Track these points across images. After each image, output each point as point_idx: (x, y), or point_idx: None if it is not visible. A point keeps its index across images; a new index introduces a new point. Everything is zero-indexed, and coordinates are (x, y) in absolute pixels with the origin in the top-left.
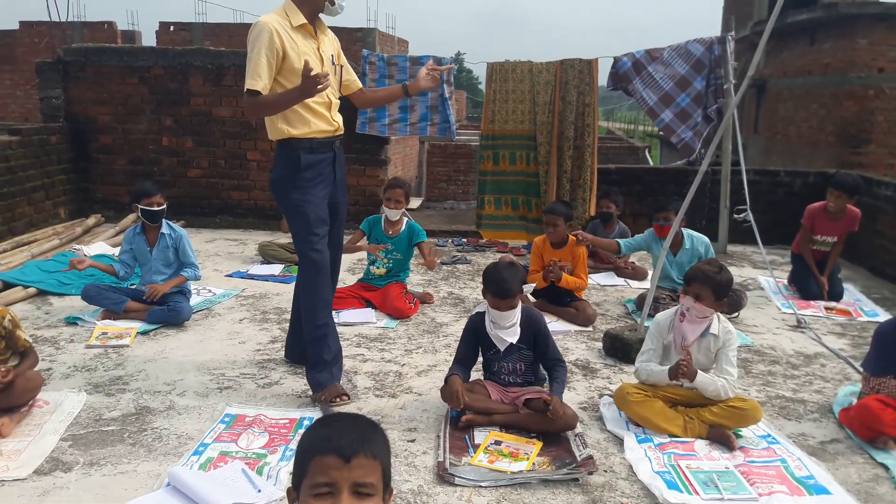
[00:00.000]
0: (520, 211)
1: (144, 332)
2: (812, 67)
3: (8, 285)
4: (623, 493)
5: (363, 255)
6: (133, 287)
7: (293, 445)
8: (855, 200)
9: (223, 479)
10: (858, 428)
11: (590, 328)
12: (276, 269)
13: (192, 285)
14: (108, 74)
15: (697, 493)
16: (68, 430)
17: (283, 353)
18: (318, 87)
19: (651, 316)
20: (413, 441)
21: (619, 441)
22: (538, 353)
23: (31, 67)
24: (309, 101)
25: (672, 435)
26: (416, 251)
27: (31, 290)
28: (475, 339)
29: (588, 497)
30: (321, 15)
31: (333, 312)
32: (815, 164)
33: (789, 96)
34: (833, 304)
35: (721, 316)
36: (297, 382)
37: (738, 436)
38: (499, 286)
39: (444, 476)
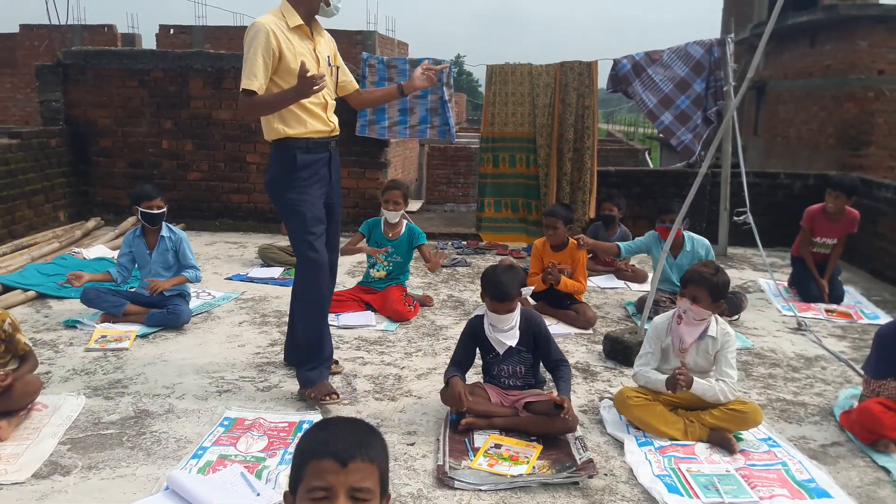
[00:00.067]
0: (520, 213)
1: (144, 336)
2: (812, 69)
3: (7, 288)
4: (623, 497)
5: (363, 257)
6: (132, 290)
7: (292, 449)
8: (853, 201)
9: (222, 482)
10: (859, 431)
11: (590, 331)
12: (276, 271)
13: (192, 288)
14: (108, 77)
15: (698, 497)
16: (67, 433)
17: (282, 356)
18: (315, 87)
19: (651, 319)
20: (413, 444)
21: (620, 444)
22: (540, 355)
23: (31, 71)
24: (305, 101)
25: (672, 438)
26: (415, 254)
27: (31, 294)
28: (474, 342)
29: (588, 500)
30: (318, 17)
31: (333, 315)
32: (815, 166)
33: (789, 98)
34: (834, 306)
35: (719, 318)
36: (297, 386)
37: (739, 439)
38: (497, 289)
39: (443, 479)
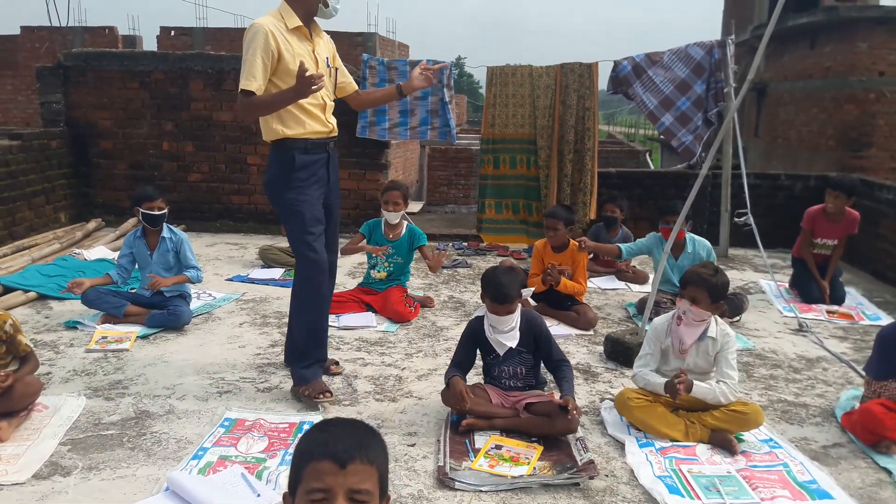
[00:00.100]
0: (520, 215)
1: (144, 336)
2: (812, 71)
3: (8, 289)
4: (624, 498)
5: (363, 259)
6: (133, 291)
7: (293, 450)
8: (853, 202)
9: (222, 483)
10: (861, 432)
11: (591, 332)
12: (277, 273)
13: (193, 289)
14: (109, 79)
15: (699, 498)
16: (67, 434)
17: (282, 357)
18: (313, 87)
19: (652, 320)
20: (413, 445)
21: (621, 445)
22: (541, 356)
23: (32, 72)
24: (303, 102)
25: (674, 440)
26: (416, 255)
27: (32, 295)
28: (474, 343)
29: (589, 501)
30: (316, 18)
31: (333, 316)
32: (815, 167)
33: (790, 100)
34: (835, 307)
35: (718, 319)
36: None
37: (740, 440)
38: (497, 291)
39: (444, 480)
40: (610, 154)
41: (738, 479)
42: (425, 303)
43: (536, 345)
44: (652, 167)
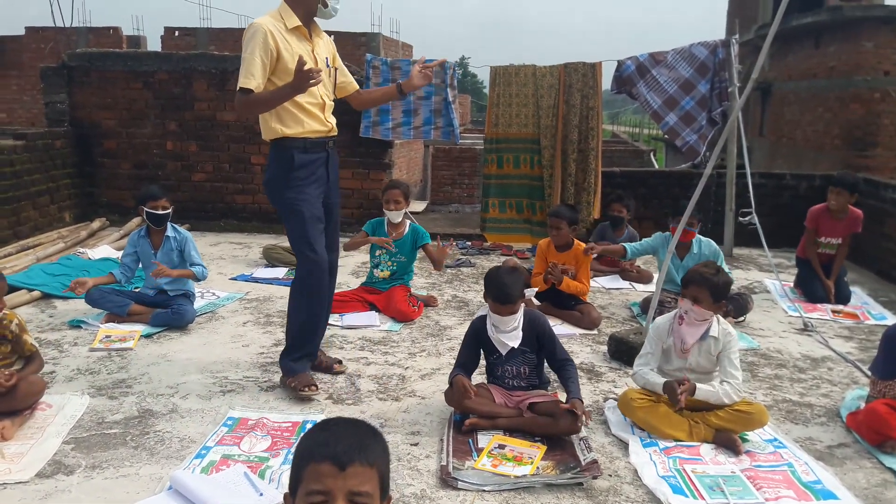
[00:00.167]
0: (524, 214)
1: (148, 336)
2: (817, 71)
3: (13, 288)
4: (628, 498)
5: (366, 258)
6: (137, 290)
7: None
8: (856, 198)
9: (225, 482)
10: (866, 432)
11: (594, 331)
12: (281, 272)
13: (196, 288)
14: (113, 79)
15: (703, 498)
16: (71, 432)
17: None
18: (311, 81)
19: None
20: (416, 445)
21: (624, 445)
22: (546, 355)
23: (37, 73)
24: (302, 101)
25: (677, 440)
26: (419, 254)
27: (36, 294)
28: (477, 343)
29: (592, 501)
30: (317, 18)
31: (337, 316)
32: (820, 167)
33: (794, 99)
34: (840, 307)
35: (720, 318)
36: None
37: (745, 440)
38: (500, 290)
39: (447, 480)
40: (614, 153)
41: (743, 480)
42: (429, 302)
43: (540, 344)
44: (656, 166)
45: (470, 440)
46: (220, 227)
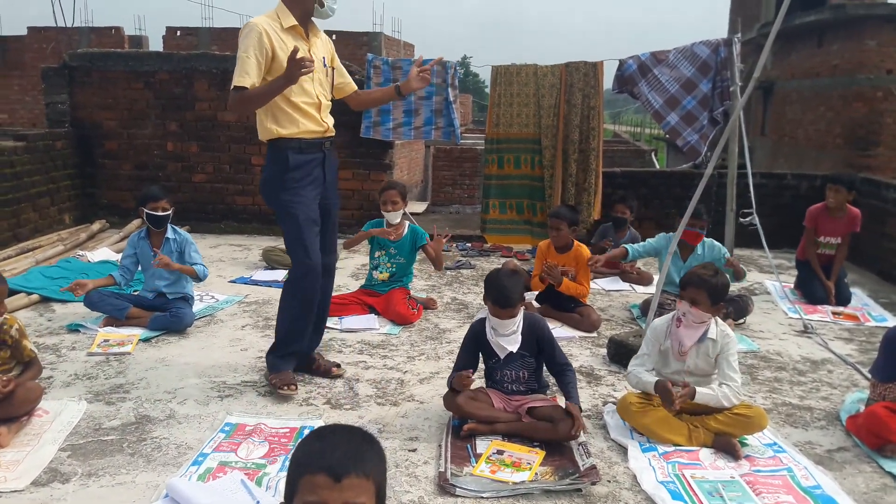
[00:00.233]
0: (524, 215)
1: (146, 339)
2: (820, 69)
3: (11, 292)
4: None
5: (366, 260)
6: (136, 293)
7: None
8: (853, 196)
9: (222, 489)
10: (866, 436)
11: (594, 334)
12: (280, 274)
13: (195, 291)
14: (114, 79)
15: None
16: (67, 439)
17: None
18: (303, 70)
19: None
20: (414, 450)
21: (623, 450)
22: (545, 360)
23: (39, 73)
24: (297, 100)
25: (677, 444)
26: (419, 256)
27: (35, 297)
28: (476, 346)
29: None
30: (314, 18)
31: (336, 319)
32: (822, 166)
33: (797, 98)
34: (840, 308)
35: (718, 320)
36: (299, 390)
37: (744, 444)
38: (500, 294)
39: (445, 487)
40: (615, 153)
41: (742, 485)
42: (428, 304)
43: (539, 348)
44: (657, 166)
45: (468, 445)
46: (220, 228)
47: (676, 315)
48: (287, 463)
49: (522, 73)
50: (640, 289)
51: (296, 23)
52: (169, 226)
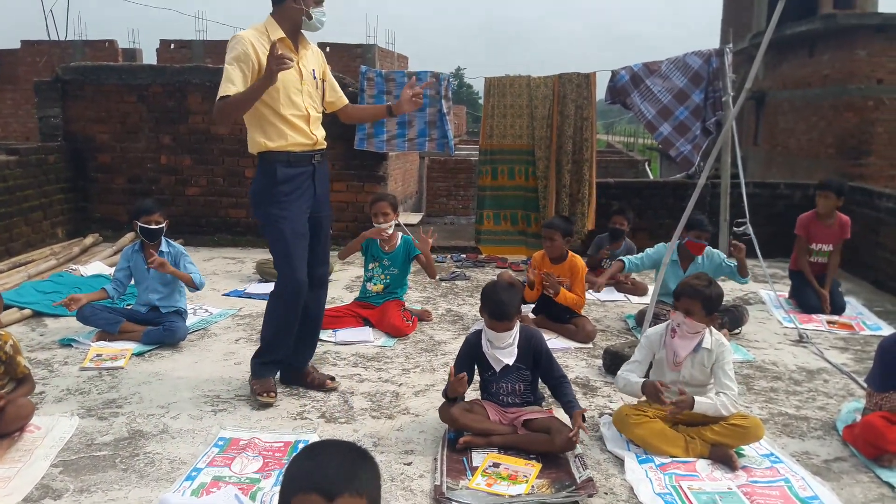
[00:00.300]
0: (519, 226)
1: (139, 354)
2: (811, 79)
3: (4, 306)
4: None
5: (361, 272)
6: (129, 307)
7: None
8: (842, 202)
9: None
10: (863, 445)
11: (590, 345)
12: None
13: (189, 305)
14: (107, 93)
15: None
16: (59, 455)
17: (277, 374)
18: (282, 66)
19: None
20: (410, 464)
21: (620, 462)
22: (541, 373)
23: (32, 86)
24: (286, 113)
25: (673, 456)
26: (413, 267)
27: (27, 312)
28: (472, 358)
29: None
30: (304, 31)
31: (330, 331)
32: (815, 176)
33: (789, 108)
34: (835, 317)
35: (713, 329)
36: (292, 404)
37: (741, 454)
38: (496, 307)
39: (440, 500)
40: (609, 164)
41: (739, 496)
42: (423, 316)
43: (535, 362)
44: (651, 177)
45: (464, 458)
46: (214, 241)
47: (671, 325)
48: (281, 478)
49: (515, 85)
50: (634, 299)
51: (284, 35)
52: (163, 239)
